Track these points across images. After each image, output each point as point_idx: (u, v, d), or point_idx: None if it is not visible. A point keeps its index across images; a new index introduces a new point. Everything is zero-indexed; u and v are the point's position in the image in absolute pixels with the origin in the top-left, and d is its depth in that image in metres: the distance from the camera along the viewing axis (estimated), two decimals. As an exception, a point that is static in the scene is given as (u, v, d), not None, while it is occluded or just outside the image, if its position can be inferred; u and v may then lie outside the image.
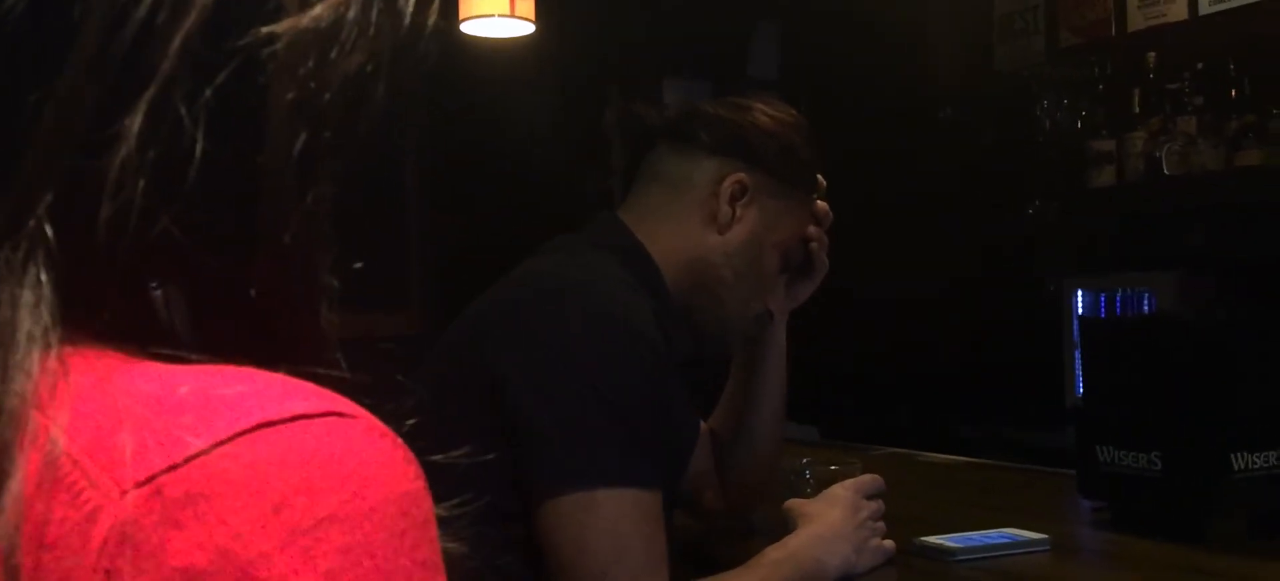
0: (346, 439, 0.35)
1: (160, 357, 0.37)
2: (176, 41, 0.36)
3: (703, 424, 1.57)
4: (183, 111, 0.36)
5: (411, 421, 0.50)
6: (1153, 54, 3.14)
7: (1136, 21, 3.30)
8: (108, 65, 0.35)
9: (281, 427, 0.34)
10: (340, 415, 0.36)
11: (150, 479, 0.33)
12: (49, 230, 0.35)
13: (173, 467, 0.33)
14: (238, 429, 0.34)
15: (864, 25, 3.78)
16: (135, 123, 0.35)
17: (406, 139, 3.46)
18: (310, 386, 0.37)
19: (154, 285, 0.38)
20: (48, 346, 0.34)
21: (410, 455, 0.37)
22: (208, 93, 0.36)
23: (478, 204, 3.48)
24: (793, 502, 1.40)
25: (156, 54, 0.35)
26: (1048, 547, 1.44)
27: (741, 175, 1.34)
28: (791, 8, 3.91)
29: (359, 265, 0.43)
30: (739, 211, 1.35)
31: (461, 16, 2.46)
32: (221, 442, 0.34)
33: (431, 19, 0.42)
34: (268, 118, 0.38)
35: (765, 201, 1.36)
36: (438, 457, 0.54)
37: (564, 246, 1.35)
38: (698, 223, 1.34)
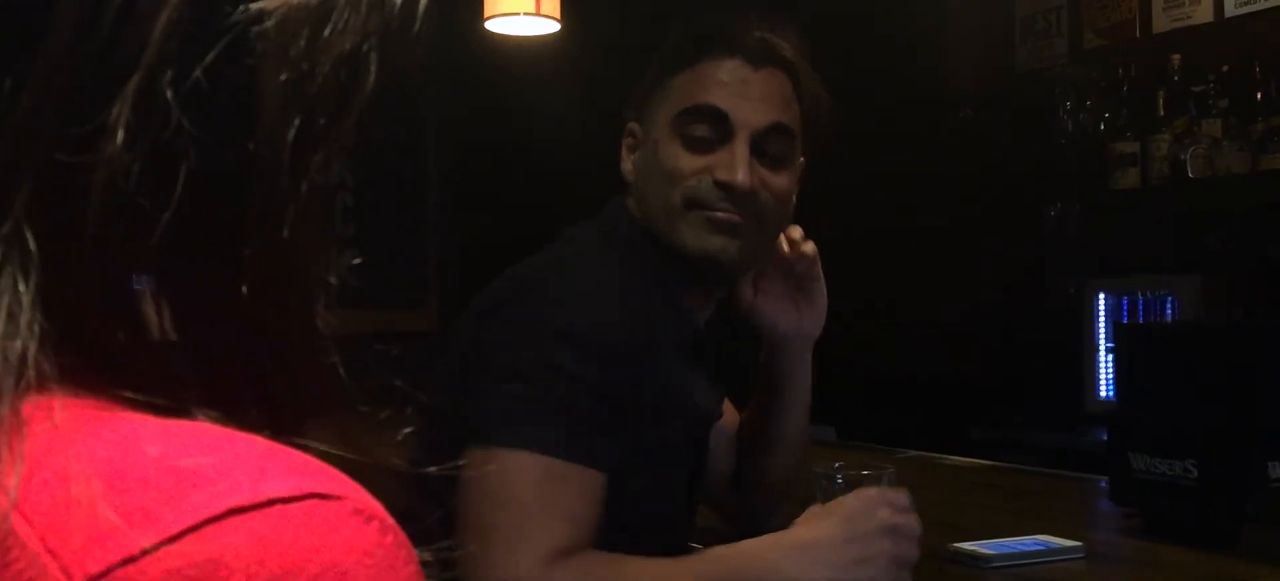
0: (327, 527, 0.31)
1: (128, 402, 0.33)
2: (162, 20, 0.33)
3: (729, 419, 1.53)
4: (170, 97, 0.33)
5: (408, 430, 0.49)
6: (1177, 56, 3.12)
7: (1161, 23, 3.28)
8: (88, 48, 0.32)
9: (254, 515, 0.30)
10: (321, 497, 0.32)
11: (104, 573, 0.29)
12: (29, 234, 0.32)
13: (129, 560, 0.29)
14: (204, 515, 0.30)
15: (884, 26, 3.77)
16: (122, 112, 0.32)
17: (427, 135, 3.45)
18: (290, 457, 0.33)
19: (137, 283, 0.35)
20: (21, 378, 0.31)
21: (402, 539, 0.33)
22: (197, 74, 0.33)
23: (500, 201, 3.47)
24: (815, 507, 1.41)
25: (140, 35, 0.33)
26: (1082, 555, 1.44)
27: (631, 124, 1.36)
28: (811, 7, 3.89)
29: (359, 261, 0.41)
30: (626, 151, 1.35)
31: (486, 14, 2.46)
32: (186, 532, 0.30)
33: (421, 11, 0.40)
34: (258, 101, 0.35)
35: (644, 124, 1.34)
36: (433, 469, 0.53)
37: (570, 236, 1.36)
38: None
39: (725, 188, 1.26)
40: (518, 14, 2.43)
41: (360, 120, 0.38)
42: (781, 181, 1.31)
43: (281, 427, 0.37)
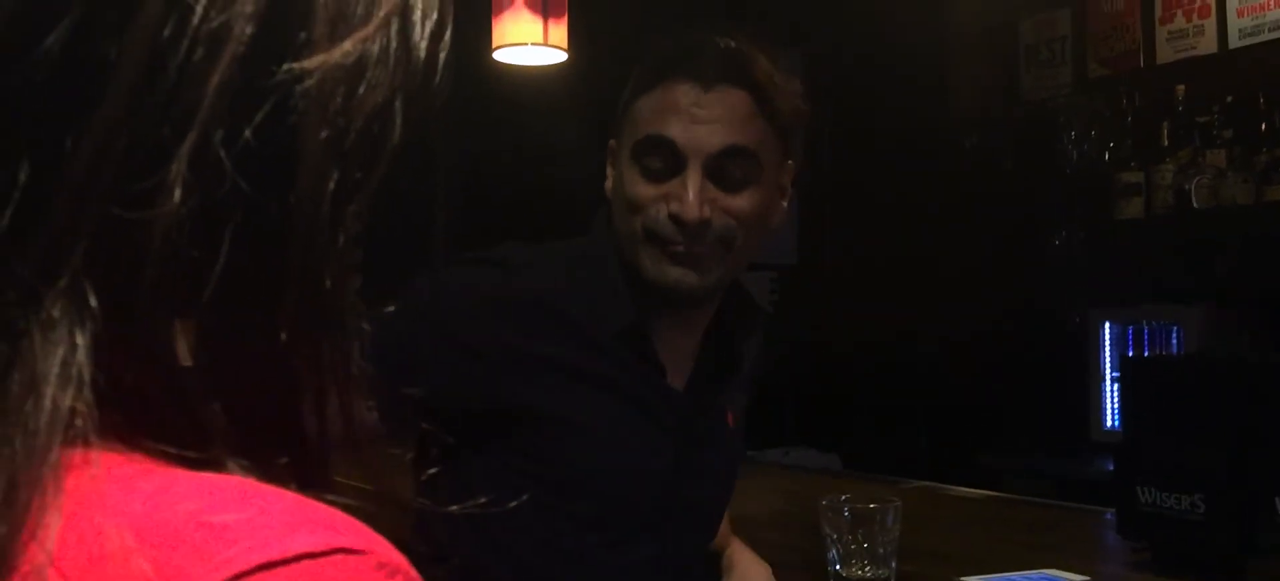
0: None
1: (161, 454, 0.34)
2: (215, 81, 0.34)
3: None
4: (223, 156, 0.34)
5: (433, 470, 0.49)
6: (1182, 87, 3.14)
7: (1166, 54, 3.29)
8: (147, 108, 0.34)
9: (283, 570, 0.31)
10: (348, 552, 0.33)
11: None
12: (88, 289, 0.33)
13: None
14: (236, 570, 0.31)
15: (889, 54, 3.79)
16: (179, 170, 0.34)
17: (436, 164, 3.47)
18: (318, 511, 0.34)
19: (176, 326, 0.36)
20: (68, 431, 0.32)
21: None
22: (247, 134, 0.35)
23: (509, 232, 3.47)
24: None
25: (195, 94, 0.34)
26: (1089, 590, 1.44)
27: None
28: (817, 36, 3.91)
29: (391, 308, 0.43)
30: (609, 170, 1.36)
31: (494, 45, 2.47)
32: None
33: (443, 52, 0.41)
34: (299, 156, 0.36)
35: (617, 149, 1.34)
36: (454, 508, 0.53)
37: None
38: None
39: (676, 221, 1.24)
40: (525, 44, 2.44)
41: (387, 170, 0.40)
42: (742, 202, 1.27)
43: (310, 476, 0.38)
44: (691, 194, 1.23)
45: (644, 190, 1.26)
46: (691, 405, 1.36)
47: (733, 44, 1.28)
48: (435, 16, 0.41)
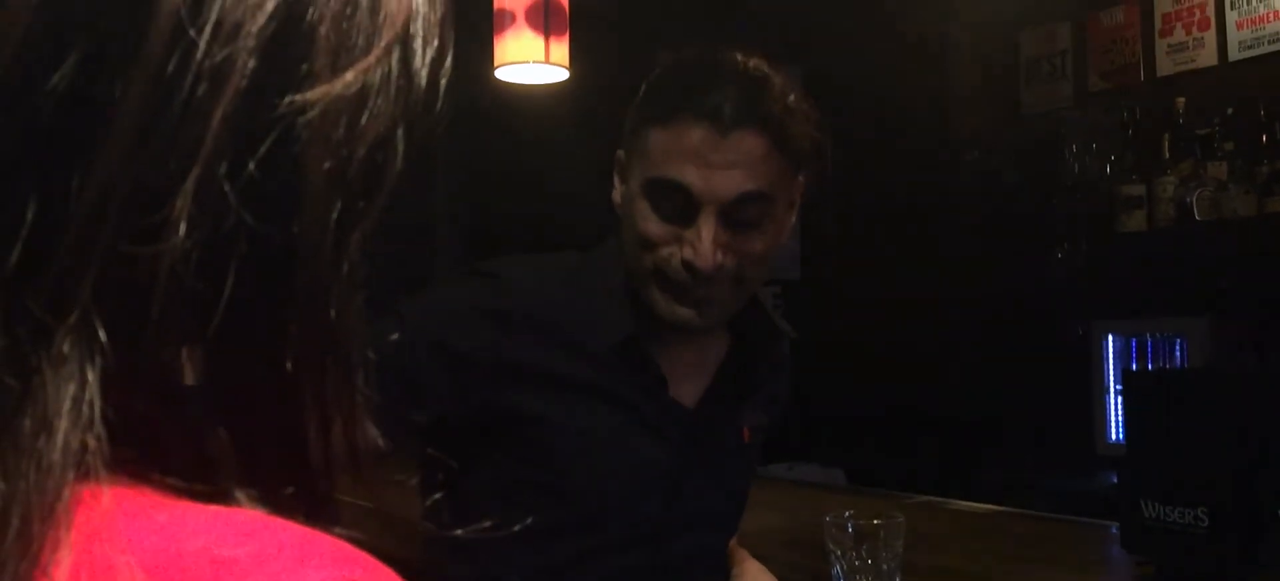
0: None
1: (170, 488, 0.35)
2: (218, 115, 0.34)
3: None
4: (227, 189, 0.35)
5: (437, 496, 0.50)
6: (1182, 99, 3.14)
7: (1166, 67, 3.30)
8: (151, 144, 0.34)
9: None
10: None
11: None
12: (98, 324, 0.33)
13: None
14: None
15: (889, 69, 3.80)
16: (184, 206, 0.34)
17: (438, 183, 3.47)
18: (325, 544, 0.34)
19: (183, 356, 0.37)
20: (82, 463, 0.32)
21: None
22: (251, 167, 0.35)
23: (512, 250, 3.48)
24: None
25: (199, 130, 0.34)
26: (1094, 605, 1.43)
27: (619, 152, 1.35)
28: (816, 52, 3.92)
29: (394, 336, 0.43)
30: (617, 181, 1.33)
31: (496, 64, 2.48)
32: None
33: (444, 77, 0.41)
34: (303, 187, 0.36)
35: (626, 166, 1.32)
36: (460, 531, 0.54)
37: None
38: None
39: (690, 268, 1.23)
40: (527, 62, 2.45)
41: (390, 199, 0.40)
42: (756, 245, 1.26)
43: (316, 504, 0.38)
44: (706, 243, 1.21)
45: (656, 229, 1.25)
46: (700, 420, 1.36)
47: (748, 71, 1.25)
48: (436, 42, 0.41)
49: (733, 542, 1.51)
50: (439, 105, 0.42)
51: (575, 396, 1.29)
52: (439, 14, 0.41)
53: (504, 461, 1.29)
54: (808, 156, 1.31)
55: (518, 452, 1.28)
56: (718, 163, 1.21)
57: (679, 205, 1.23)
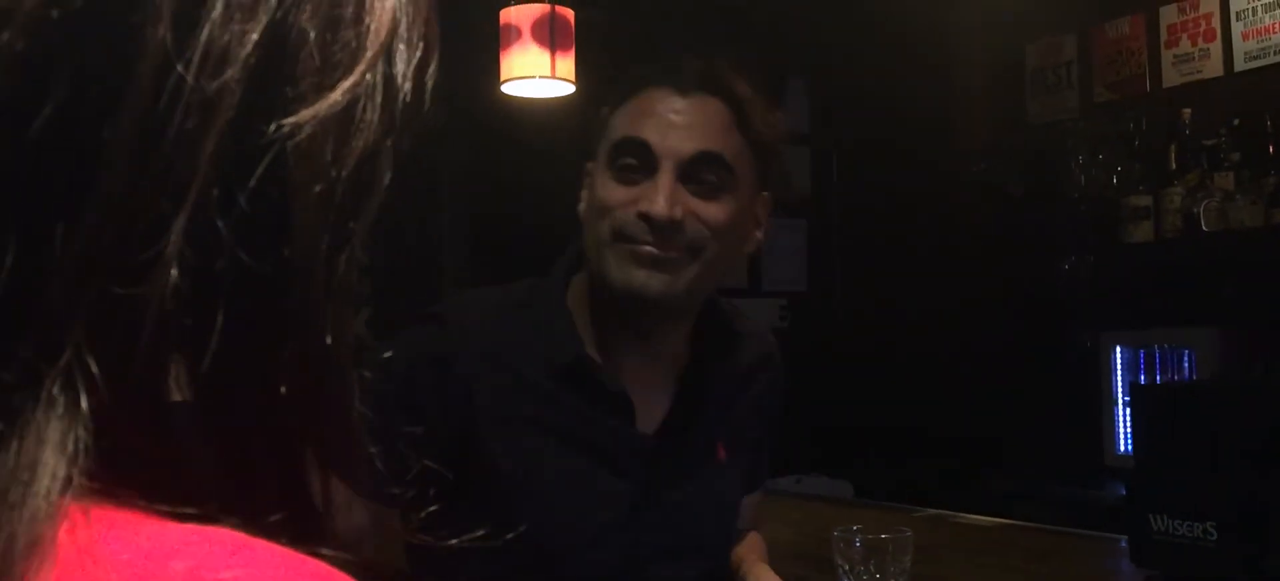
0: None
1: (156, 511, 0.34)
2: (209, 148, 0.33)
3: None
4: (220, 224, 0.34)
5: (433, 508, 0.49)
6: (1188, 110, 3.14)
7: (1172, 77, 3.30)
8: (142, 182, 0.33)
9: None
10: None
11: None
12: (92, 363, 0.32)
13: None
14: None
15: (895, 80, 3.80)
16: (176, 243, 0.33)
17: (444, 198, 3.48)
18: (309, 566, 0.34)
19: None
20: (69, 485, 0.32)
21: None
22: (242, 200, 0.34)
23: (517, 265, 3.49)
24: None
25: (189, 165, 0.33)
26: (1103, 619, 1.43)
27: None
28: (822, 64, 3.93)
29: (388, 354, 0.43)
30: (583, 194, 1.34)
31: (502, 78, 2.49)
32: None
33: (430, 82, 0.40)
34: (293, 212, 0.36)
35: (594, 157, 1.33)
36: (454, 541, 0.53)
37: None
38: None
39: (647, 219, 1.23)
40: (533, 77, 2.46)
41: (380, 212, 0.40)
42: (715, 211, 1.25)
43: (308, 531, 0.38)
44: (662, 193, 1.23)
45: (616, 193, 1.26)
46: (663, 447, 1.32)
47: (715, 60, 1.29)
48: (421, 49, 0.40)
49: (743, 550, 1.48)
50: (425, 109, 0.41)
51: (525, 438, 1.26)
52: (422, 16, 0.40)
53: (458, 506, 1.26)
54: (770, 155, 1.32)
55: (470, 498, 1.25)
56: (677, 122, 1.25)
57: (640, 164, 1.25)
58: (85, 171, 0.33)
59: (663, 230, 1.23)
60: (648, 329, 1.31)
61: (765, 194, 1.34)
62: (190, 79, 0.33)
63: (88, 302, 0.33)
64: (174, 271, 0.33)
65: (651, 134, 1.25)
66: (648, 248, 1.24)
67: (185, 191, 0.33)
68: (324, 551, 0.36)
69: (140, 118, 0.33)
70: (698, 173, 1.25)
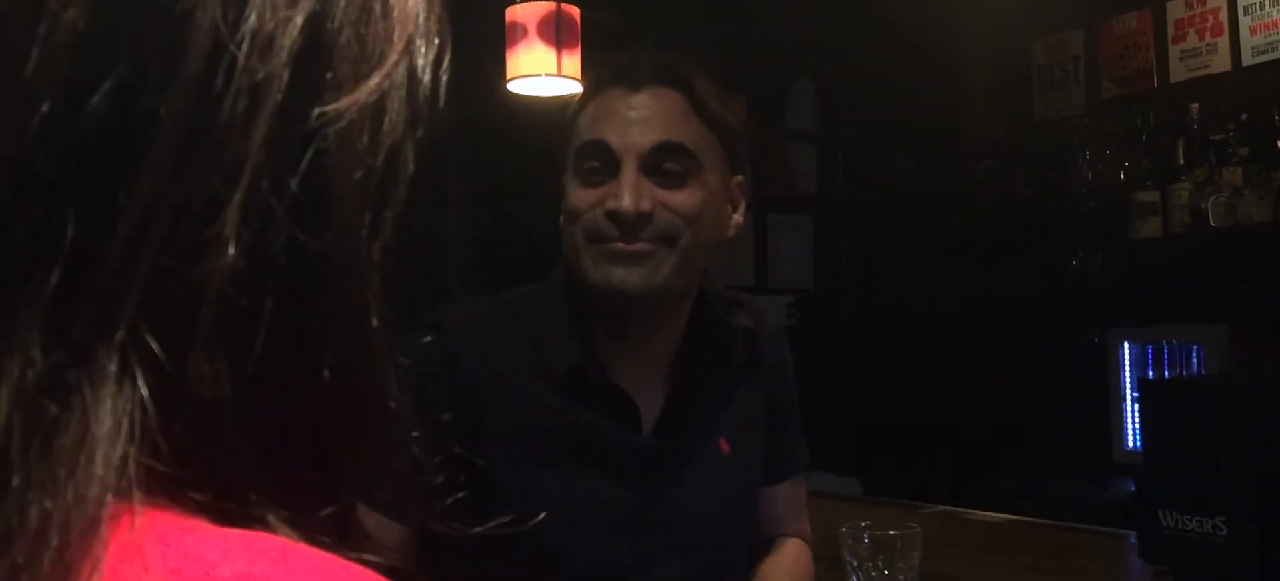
0: None
1: (200, 507, 0.35)
2: (260, 130, 0.34)
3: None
4: (274, 203, 0.35)
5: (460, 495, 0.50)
6: (1196, 105, 3.13)
7: (1179, 73, 3.29)
8: (194, 162, 0.34)
9: None
10: None
11: None
12: (150, 340, 0.33)
13: None
14: None
15: (901, 78, 3.80)
16: (233, 222, 0.34)
17: (451, 196, 3.49)
18: (354, 571, 0.34)
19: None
20: (120, 482, 0.32)
21: None
22: (293, 182, 0.35)
23: (523, 262, 3.49)
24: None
25: (241, 145, 0.34)
26: (1112, 615, 1.43)
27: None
28: (828, 64, 3.93)
29: (405, 360, 0.44)
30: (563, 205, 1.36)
31: (508, 77, 2.50)
32: None
33: (444, 77, 0.42)
34: (335, 197, 0.37)
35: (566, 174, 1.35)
36: (478, 529, 0.54)
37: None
38: None
39: (615, 216, 1.25)
40: (539, 75, 2.46)
41: (403, 203, 0.41)
42: (684, 199, 1.27)
43: (347, 527, 0.39)
44: (626, 188, 1.24)
45: (584, 196, 1.27)
46: (662, 449, 1.32)
47: (664, 53, 1.30)
48: (436, 44, 0.42)
49: (769, 568, 1.47)
50: (441, 105, 0.42)
51: (531, 448, 1.27)
52: (437, 14, 0.41)
53: (462, 513, 1.25)
54: (735, 139, 1.33)
55: (469, 509, 1.23)
56: (634, 116, 1.26)
57: (603, 164, 1.26)
58: (142, 148, 0.34)
59: (632, 225, 1.24)
60: (638, 326, 1.32)
61: (739, 177, 1.35)
62: (241, 61, 0.34)
63: (143, 279, 0.33)
64: (231, 249, 0.34)
65: (610, 133, 1.26)
66: (619, 244, 1.25)
67: (239, 172, 0.34)
68: (367, 556, 0.37)
69: (194, 96, 0.34)
70: (660, 163, 1.26)
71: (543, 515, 1.21)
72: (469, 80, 2.77)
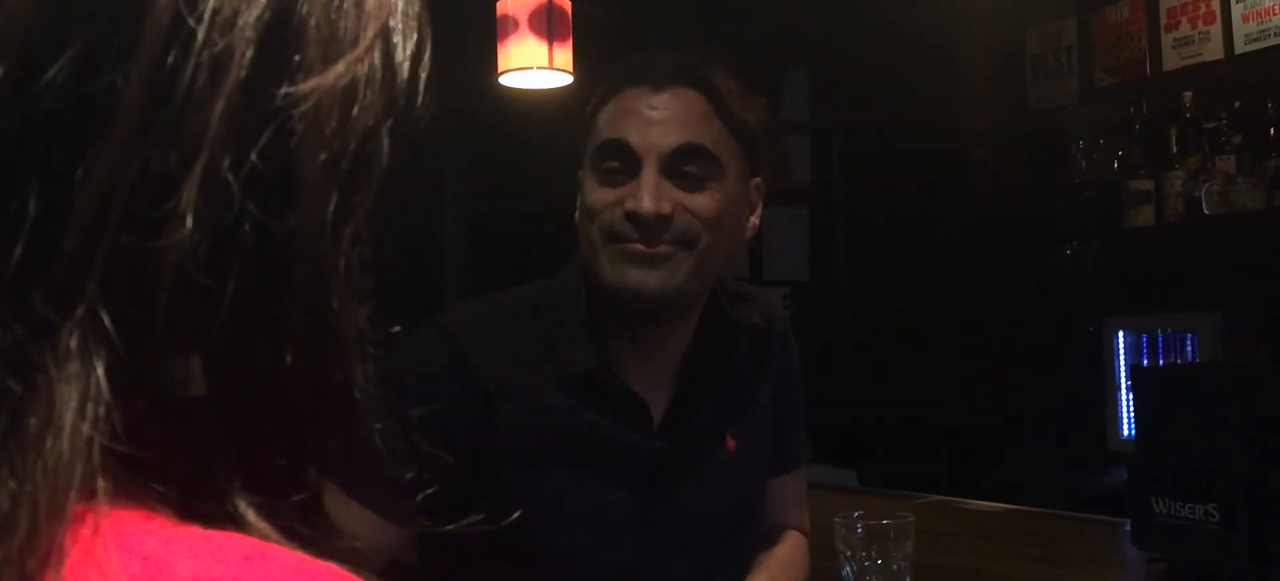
0: None
1: (164, 499, 0.34)
2: (220, 106, 0.34)
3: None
4: (231, 180, 0.35)
5: (432, 490, 0.49)
6: (1189, 93, 3.13)
7: (1172, 61, 3.29)
8: (153, 136, 0.34)
9: None
10: None
11: None
12: (106, 318, 0.33)
13: None
14: None
15: (895, 67, 3.79)
16: (190, 197, 0.34)
17: (443, 189, 3.48)
18: (318, 569, 0.34)
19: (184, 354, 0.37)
20: (87, 465, 0.32)
21: None
22: (253, 158, 0.35)
23: (517, 257, 3.49)
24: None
25: (200, 121, 0.34)
26: (1106, 602, 1.43)
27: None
28: (822, 53, 3.92)
29: (397, 328, 0.43)
30: (579, 200, 1.35)
31: (500, 69, 2.49)
32: None
33: (424, 72, 0.42)
34: (299, 179, 0.37)
35: (584, 168, 1.34)
36: (450, 527, 0.54)
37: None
38: None
39: (634, 217, 1.23)
40: (531, 68, 2.45)
41: (378, 191, 0.40)
42: (703, 202, 1.25)
43: (314, 510, 0.38)
44: (646, 190, 1.23)
45: (603, 195, 1.26)
46: (667, 450, 1.31)
47: (686, 54, 1.29)
48: (415, 37, 0.41)
49: (766, 561, 1.46)
50: (421, 100, 0.42)
51: (542, 450, 1.26)
52: (416, 9, 0.41)
53: (469, 514, 1.25)
54: (756, 141, 1.32)
55: (476, 510, 1.22)
56: (655, 118, 1.25)
57: (623, 165, 1.25)
58: (100, 123, 0.33)
59: (651, 227, 1.23)
60: (652, 328, 1.31)
61: (758, 179, 1.34)
62: (200, 36, 0.34)
63: (103, 254, 0.33)
64: (188, 223, 0.34)
65: (631, 133, 1.25)
66: (638, 246, 1.24)
67: (198, 147, 0.34)
68: (338, 548, 0.36)
69: (150, 70, 0.34)
70: (681, 165, 1.25)
71: (541, 516, 1.22)
72: (461, 74, 2.77)
